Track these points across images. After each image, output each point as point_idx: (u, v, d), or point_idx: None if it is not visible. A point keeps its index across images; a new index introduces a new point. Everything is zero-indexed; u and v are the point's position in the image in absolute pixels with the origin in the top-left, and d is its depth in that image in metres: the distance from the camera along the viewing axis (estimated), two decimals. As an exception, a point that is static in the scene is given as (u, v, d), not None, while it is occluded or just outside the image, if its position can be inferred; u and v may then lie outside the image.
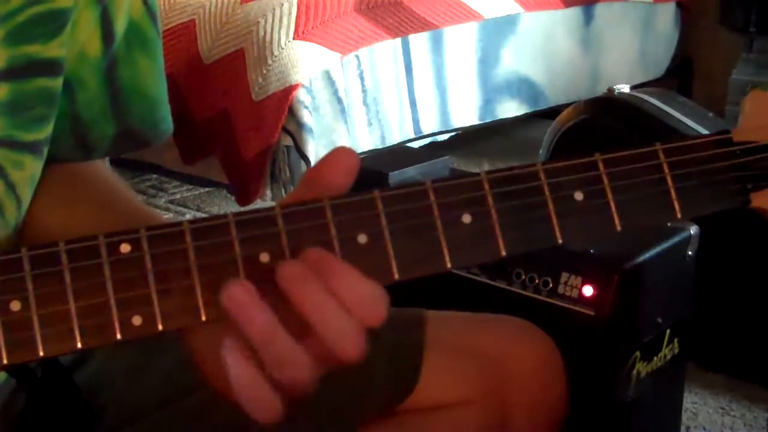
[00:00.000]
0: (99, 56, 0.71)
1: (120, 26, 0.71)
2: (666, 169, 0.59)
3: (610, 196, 0.58)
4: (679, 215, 0.59)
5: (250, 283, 0.54)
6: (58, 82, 0.68)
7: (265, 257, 0.55)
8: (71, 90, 0.71)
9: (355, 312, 0.54)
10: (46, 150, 0.70)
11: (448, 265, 0.56)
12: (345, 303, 0.54)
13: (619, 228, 0.58)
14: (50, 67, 0.67)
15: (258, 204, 2.29)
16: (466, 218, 0.57)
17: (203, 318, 0.54)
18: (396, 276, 0.56)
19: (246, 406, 0.55)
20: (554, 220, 0.57)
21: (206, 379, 0.61)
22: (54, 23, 0.66)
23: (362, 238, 0.55)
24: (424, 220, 0.56)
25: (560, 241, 0.58)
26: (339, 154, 0.58)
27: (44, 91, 0.67)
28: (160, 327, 0.54)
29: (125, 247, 0.53)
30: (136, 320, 0.53)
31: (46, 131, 0.69)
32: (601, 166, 0.58)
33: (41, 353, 0.52)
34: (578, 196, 0.58)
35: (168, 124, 0.80)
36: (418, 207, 0.56)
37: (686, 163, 0.59)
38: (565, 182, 0.58)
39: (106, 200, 0.78)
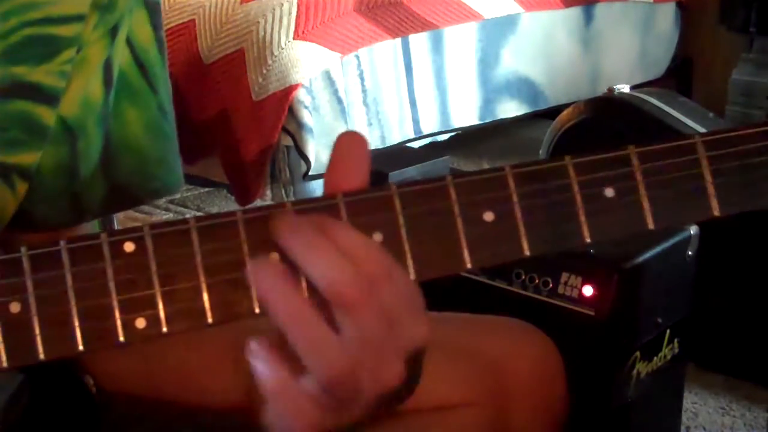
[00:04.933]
0: (100, 103, 0.69)
1: (116, 72, 0.70)
2: (704, 164, 0.54)
3: (643, 192, 0.54)
4: (716, 213, 0.55)
5: (277, 261, 0.52)
6: (39, 110, 0.66)
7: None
8: (73, 139, 0.68)
9: (353, 257, 0.51)
10: (14, 179, 0.66)
11: (468, 265, 0.54)
12: (341, 248, 0.51)
13: (651, 227, 0.54)
14: (33, 91, 0.65)
15: (258, 204, 2.29)
16: (488, 216, 0.54)
17: (209, 321, 0.52)
18: (413, 276, 0.54)
19: (280, 415, 0.53)
20: (582, 219, 0.54)
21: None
22: (45, 48, 0.64)
23: (377, 237, 0.53)
24: (443, 218, 0.53)
25: (588, 240, 0.54)
26: (343, 139, 0.56)
27: (22, 115, 0.65)
28: (164, 329, 0.52)
29: (129, 246, 0.52)
30: (140, 323, 0.52)
31: (17, 157, 0.66)
32: (634, 160, 0.55)
33: (42, 356, 0.51)
34: (609, 192, 0.54)
35: (164, 184, 0.76)
36: (438, 204, 0.54)
37: (727, 157, 0.55)
38: (595, 178, 0.54)
39: None
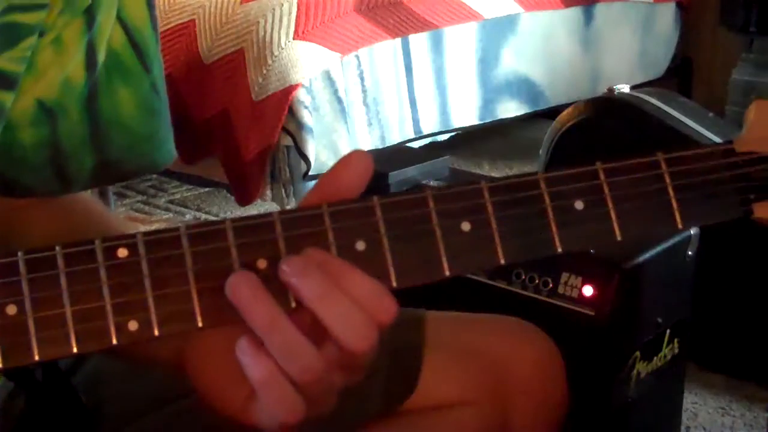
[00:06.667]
0: (82, 85, 0.70)
1: (101, 55, 0.71)
2: (667, 179, 0.59)
3: (610, 205, 0.58)
4: (680, 226, 0.59)
5: (252, 273, 0.54)
6: (1, 96, 0.66)
7: (262, 263, 0.55)
8: (53, 118, 0.70)
9: (365, 306, 0.54)
10: None
11: (447, 273, 0.56)
12: (353, 297, 0.54)
13: (619, 238, 0.58)
14: None
15: (258, 204, 2.29)
16: (465, 226, 0.57)
17: (199, 324, 0.54)
18: (394, 284, 0.56)
19: (267, 405, 0.55)
20: (554, 229, 0.57)
21: (199, 392, 0.60)
22: (9, 35, 0.65)
23: (360, 245, 0.56)
24: (422, 227, 0.56)
25: (560, 250, 0.58)
26: (353, 156, 0.58)
27: None
28: (156, 332, 0.54)
29: (122, 252, 0.54)
30: (132, 325, 0.53)
31: None
32: (602, 175, 0.58)
33: (37, 357, 0.52)
34: (579, 205, 0.58)
35: (154, 160, 0.78)
36: (417, 214, 0.56)
37: (688, 173, 0.59)
38: (565, 191, 0.58)
39: (81, 222, 0.78)
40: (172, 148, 0.79)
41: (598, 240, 0.58)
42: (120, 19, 0.71)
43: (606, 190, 0.58)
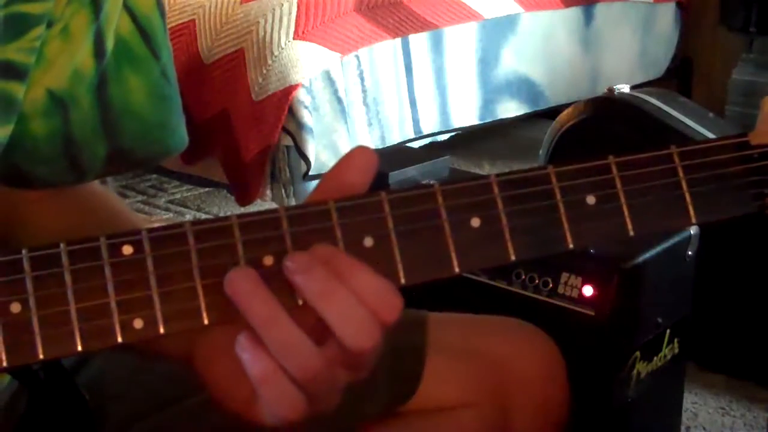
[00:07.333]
0: (92, 74, 0.70)
1: (110, 43, 0.71)
2: (681, 173, 0.57)
3: (623, 200, 0.56)
4: (694, 220, 0.57)
5: (251, 269, 0.53)
6: (11, 86, 0.66)
7: (269, 260, 0.54)
8: (65, 109, 0.70)
9: (369, 303, 0.53)
10: None
11: (457, 269, 0.55)
12: (357, 294, 0.53)
13: (632, 233, 0.56)
14: (5, 69, 0.65)
15: (258, 204, 2.29)
16: (475, 222, 0.55)
17: (205, 321, 0.54)
18: (402, 281, 0.55)
19: (267, 402, 0.55)
20: (565, 225, 0.56)
21: (208, 388, 0.60)
22: (16, 26, 0.65)
23: (368, 241, 0.55)
24: (431, 223, 0.55)
25: (571, 246, 0.56)
26: (356, 152, 0.57)
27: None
28: (161, 330, 0.53)
29: (127, 249, 0.53)
30: (138, 323, 0.53)
31: None
32: (614, 169, 0.57)
33: (41, 356, 0.52)
34: (590, 200, 0.56)
35: (167, 147, 0.78)
36: (426, 210, 0.55)
37: (702, 166, 0.57)
38: (576, 185, 0.56)
39: (93, 212, 0.78)
40: (184, 133, 0.78)
41: (611, 236, 0.57)
42: (127, 7, 0.71)
43: (618, 184, 0.56)
